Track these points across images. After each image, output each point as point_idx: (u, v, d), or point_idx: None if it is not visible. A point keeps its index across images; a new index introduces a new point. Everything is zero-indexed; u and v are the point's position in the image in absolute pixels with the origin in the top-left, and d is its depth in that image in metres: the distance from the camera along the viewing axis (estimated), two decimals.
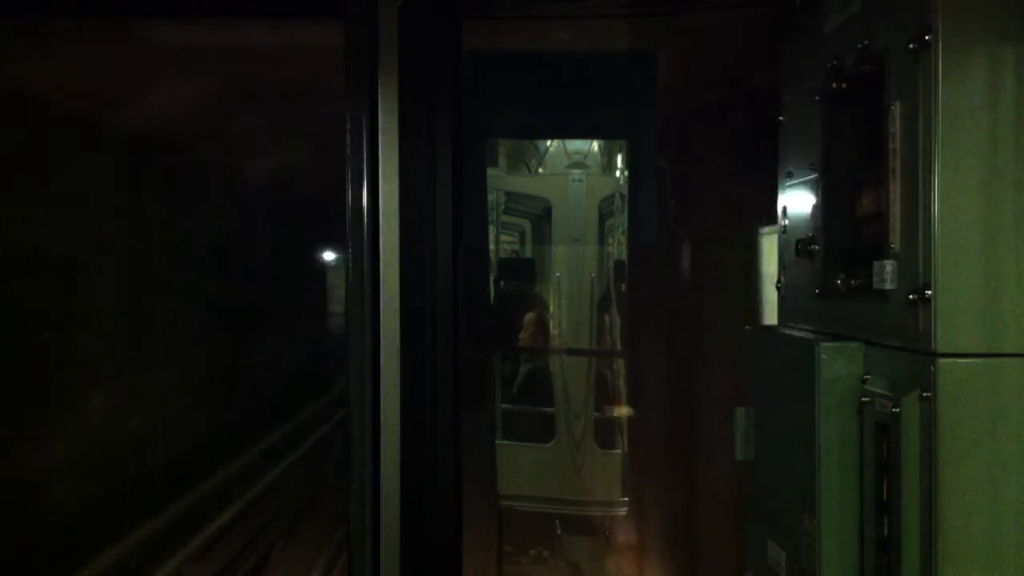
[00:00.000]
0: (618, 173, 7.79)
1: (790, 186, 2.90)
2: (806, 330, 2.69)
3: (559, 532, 7.29)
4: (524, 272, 8.81)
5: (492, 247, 8.27)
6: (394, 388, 3.04)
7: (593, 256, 8.28)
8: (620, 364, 7.90)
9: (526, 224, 9.42)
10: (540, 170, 8.87)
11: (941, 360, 1.96)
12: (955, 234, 1.97)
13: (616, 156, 7.82)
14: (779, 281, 3.02)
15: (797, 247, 2.77)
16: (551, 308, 8.13)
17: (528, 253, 9.57)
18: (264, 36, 4.85)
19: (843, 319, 2.45)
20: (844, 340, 2.33)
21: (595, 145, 8.25)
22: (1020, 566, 1.96)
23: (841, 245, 2.52)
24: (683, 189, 6.09)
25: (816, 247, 2.63)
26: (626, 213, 6.96)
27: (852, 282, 2.36)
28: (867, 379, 2.25)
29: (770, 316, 4.34)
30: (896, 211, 2.11)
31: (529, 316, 8.21)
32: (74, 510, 5.72)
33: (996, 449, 1.96)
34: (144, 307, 6.86)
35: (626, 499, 7.31)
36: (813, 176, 2.66)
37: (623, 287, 7.83)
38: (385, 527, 3.03)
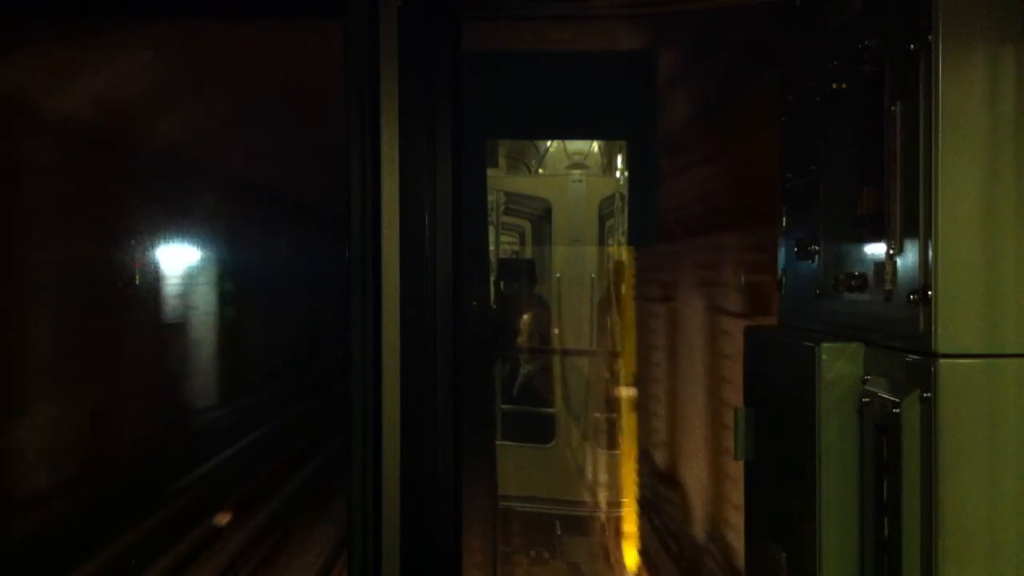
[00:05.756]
0: (618, 173, 7.78)
1: (790, 186, 2.89)
2: (806, 330, 2.68)
3: (559, 532, 7.29)
4: (524, 272, 8.81)
5: (492, 247, 8.26)
6: (394, 388, 3.04)
7: (593, 256, 8.28)
8: (620, 364, 7.89)
9: (526, 225, 9.41)
10: (540, 171, 8.87)
11: (941, 360, 1.96)
12: (955, 234, 1.96)
13: (616, 156, 7.81)
14: (779, 281, 3.02)
15: (797, 247, 2.77)
16: (551, 309, 8.13)
17: (528, 254, 9.56)
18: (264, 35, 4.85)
19: (843, 319, 2.44)
20: (844, 340, 2.32)
21: (595, 145, 8.25)
22: (1020, 565, 1.96)
23: (841, 245, 2.52)
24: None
25: (816, 247, 2.63)
26: (626, 213, 6.95)
27: (852, 282, 2.35)
28: (867, 379, 2.24)
29: None
30: (896, 211, 2.11)
31: (529, 317, 8.20)
32: None
33: (996, 449, 1.96)
34: None
35: (625, 499, 7.29)
36: (813, 176, 2.66)
37: (623, 287, 7.83)
38: (385, 527, 3.03)
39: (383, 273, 3.04)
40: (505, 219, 8.75)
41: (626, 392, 7.68)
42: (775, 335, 2.88)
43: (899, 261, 2.11)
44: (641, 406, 7.52)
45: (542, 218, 8.49)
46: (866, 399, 2.21)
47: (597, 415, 7.79)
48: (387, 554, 3.03)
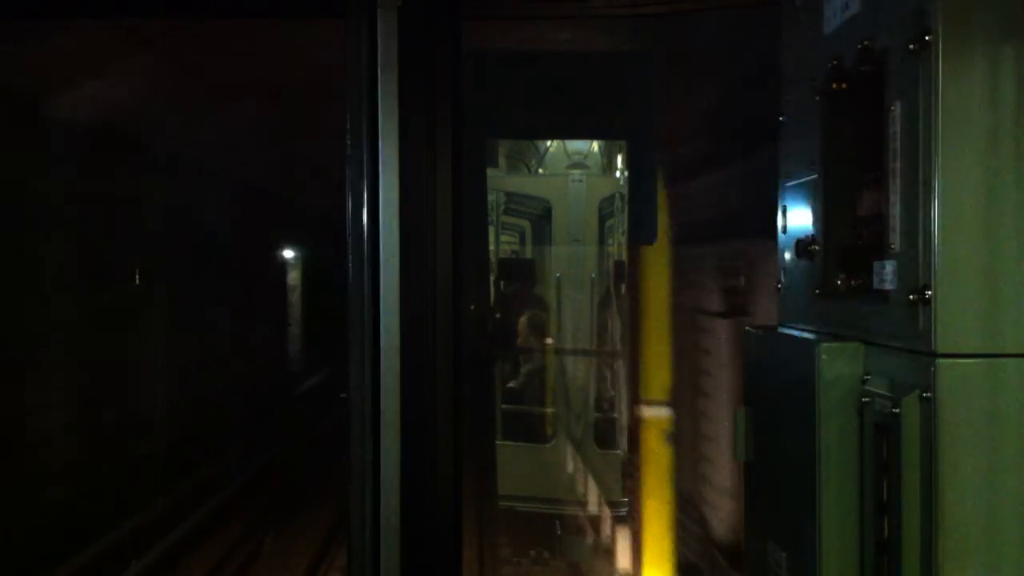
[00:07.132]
0: (618, 173, 7.78)
1: (790, 186, 2.89)
2: (806, 330, 2.68)
3: (559, 532, 7.30)
4: (524, 272, 8.82)
5: (492, 247, 8.27)
6: (394, 388, 3.04)
7: (593, 256, 8.28)
8: (620, 364, 7.89)
9: (526, 224, 9.42)
10: (540, 170, 8.88)
11: (941, 360, 1.95)
12: (955, 234, 1.96)
13: (616, 156, 7.82)
14: (779, 281, 3.02)
15: (797, 247, 2.77)
16: (551, 308, 8.13)
17: (528, 253, 9.57)
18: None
19: (843, 319, 2.44)
20: (844, 340, 2.32)
21: (595, 145, 8.25)
22: (1020, 565, 1.96)
23: (841, 245, 2.51)
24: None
25: (816, 247, 2.62)
26: (626, 213, 6.95)
27: (852, 282, 2.35)
28: (867, 379, 2.24)
29: None
30: (896, 211, 2.11)
31: (529, 316, 8.21)
32: None
33: (996, 449, 1.96)
34: None
35: (626, 499, 7.29)
36: (813, 176, 2.66)
37: (623, 287, 7.83)
38: (385, 527, 3.03)
39: (383, 273, 3.04)
40: (505, 219, 8.76)
41: (626, 391, 7.68)
42: (774, 335, 2.88)
43: (899, 261, 2.11)
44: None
45: (542, 218, 8.49)
46: (866, 399, 2.21)
47: (597, 414, 7.79)
48: (387, 554, 3.03)
